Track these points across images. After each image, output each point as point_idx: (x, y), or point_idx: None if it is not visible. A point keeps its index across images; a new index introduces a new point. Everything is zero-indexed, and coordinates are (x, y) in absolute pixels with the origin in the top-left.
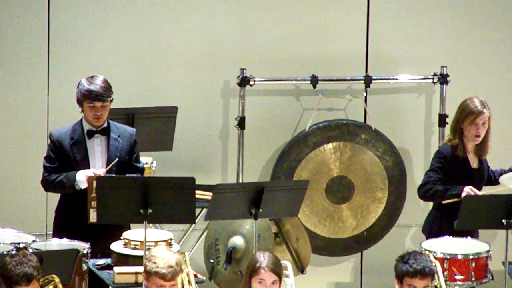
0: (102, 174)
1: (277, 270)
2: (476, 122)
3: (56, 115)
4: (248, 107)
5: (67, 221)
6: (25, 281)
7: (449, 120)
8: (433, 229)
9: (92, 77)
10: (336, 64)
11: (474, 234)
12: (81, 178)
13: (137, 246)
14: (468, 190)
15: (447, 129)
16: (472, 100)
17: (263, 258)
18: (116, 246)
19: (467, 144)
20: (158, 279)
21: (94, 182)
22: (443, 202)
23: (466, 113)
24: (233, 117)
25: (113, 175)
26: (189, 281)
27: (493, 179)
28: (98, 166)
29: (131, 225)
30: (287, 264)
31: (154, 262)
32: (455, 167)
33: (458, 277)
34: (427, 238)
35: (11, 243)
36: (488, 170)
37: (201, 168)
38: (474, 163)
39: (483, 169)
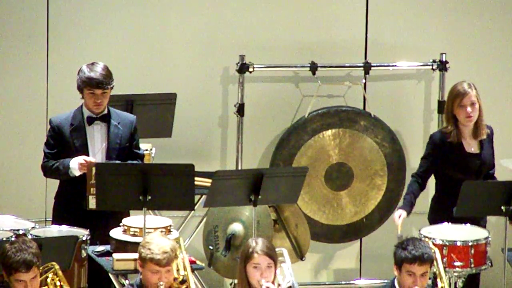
0: (93, 161)
1: (271, 253)
2: (463, 103)
3: (55, 101)
4: (247, 94)
5: (67, 207)
6: (24, 268)
7: None
8: (432, 215)
9: (92, 64)
10: (335, 50)
11: (480, 222)
12: (74, 165)
13: (136, 233)
14: (396, 215)
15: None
16: (458, 83)
17: (256, 243)
18: (115, 233)
19: (463, 129)
20: (153, 265)
21: (94, 169)
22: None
23: (453, 97)
24: (232, 103)
25: (114, 161)
26: (184, 267)
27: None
28: (97, 153)
29: (131, 211)
30: (283, 250)
31: (149, 249)
32: (448, 153)
33: (457, 263)
34: (431, 224)
35: (11, 230)
36: (492, 159)
37: (200, 154)
38: (472, 147)
39: (485, 154)
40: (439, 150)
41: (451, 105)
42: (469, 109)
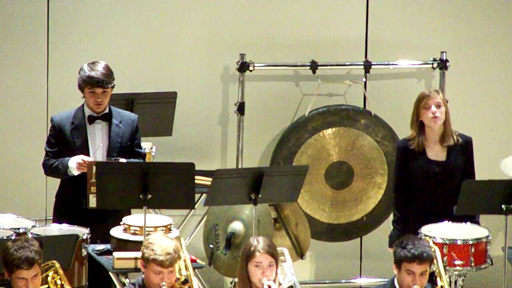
0: (92, 161)
1: (272, 252)
2: (428, 104)
3: (55, 100)
4: (247, 93)
5: (67, 206)
6: (26, 265)
7: (449, 105)
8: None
9: (93, 63)
10: (335, 49)
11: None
12: (73, 164)
13: (136, 232)
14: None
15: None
16: (424, 90)
17: (257, 242)
18: (116, 232)
19: (429, 135)
20: (156, 266)
21: (94, 168)
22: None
23: (418, 100)
24: (232, 102)
25: (116, 158)
26: (186, 267)
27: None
28: (96, 152)
29: (131, 210)
30: (284, 250)
31: (152, 249)
32: (410, 160)
33: (458, 262)
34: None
35: (11, 229)
36: (468, 168)
37: (200, 153)
38: (437, 155)
39: (452, 163)
40: (404, 156)
41: (416, 109)
42: (433, 108)
